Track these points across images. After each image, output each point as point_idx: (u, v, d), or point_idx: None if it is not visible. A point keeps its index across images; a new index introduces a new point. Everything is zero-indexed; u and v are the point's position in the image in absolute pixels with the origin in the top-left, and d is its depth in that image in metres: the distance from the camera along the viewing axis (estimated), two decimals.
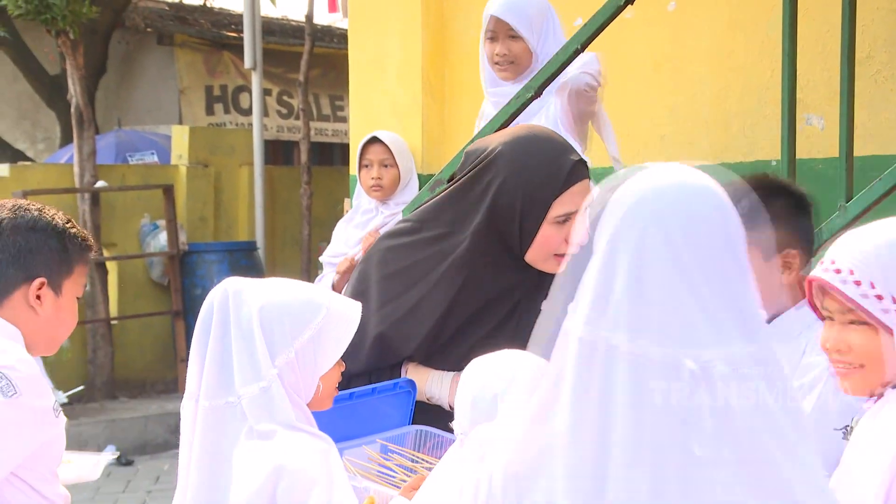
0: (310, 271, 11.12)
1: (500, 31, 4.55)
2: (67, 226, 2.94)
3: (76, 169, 10.88)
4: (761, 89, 5.09)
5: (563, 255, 2.98)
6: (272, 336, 2.43)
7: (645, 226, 1.63)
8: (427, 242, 3.10)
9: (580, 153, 3.11)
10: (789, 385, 1.66)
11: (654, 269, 1.61)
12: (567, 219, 2.98)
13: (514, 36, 4.53)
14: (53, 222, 2.91)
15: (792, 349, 2.99)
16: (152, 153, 13.13)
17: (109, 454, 3.30)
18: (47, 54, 13.90)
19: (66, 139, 13.09)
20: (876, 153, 4.67)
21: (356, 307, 2.56)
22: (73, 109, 10.73)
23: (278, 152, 15.10)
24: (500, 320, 3.07)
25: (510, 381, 2.24)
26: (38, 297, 2.87)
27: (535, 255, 3.03)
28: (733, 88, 5.23)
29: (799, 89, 4.24)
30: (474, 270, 3.04)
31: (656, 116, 5.44)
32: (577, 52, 4.36)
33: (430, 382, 3.06)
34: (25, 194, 9.63)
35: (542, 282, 3.02)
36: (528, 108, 4.40)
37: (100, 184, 10.93)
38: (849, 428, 2.55)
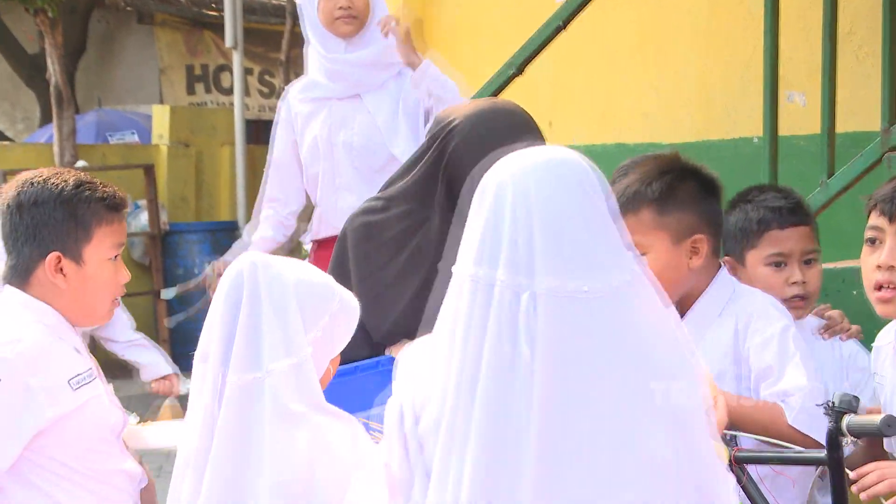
0: (291, 251, 11.09)
1: None
2: (78, 190, 2.84)
3: (56, 148, 10.82)
4: (744, 67, 5.08)
5: None
6: (305, 313, 2.41)
7: (524, 186, 1.97)
8: (396, 219, 3.09)
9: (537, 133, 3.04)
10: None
11: (530, 220, 1.95)
12: None
13: None
14: (58, 191, 2.82)
15: (720, 328, 3.00)
16: (133, 133, 13.07)
17: None
18: (26, 33, 13.82)
19: (46, 119, 13.02)
20: (857, 129, 4.67)
21: (355, 298, 2.57)
22: (52, 89, 10.67)
23: (260, 132, 15.02)
24: None
25: None
26: (62, 271, 2.82)
27: None
28: (716, 66, 5.23)
29: (781, 66, 4.24)
30: (449, 246, 3.03)
31: (639, 94, 5.43)
32: (558, 30, 4.36)
33: None
34: (5, 174, 9.58)
35: None
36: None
37: (80, 163, 10.88)
38: (830, 403, 2.55)
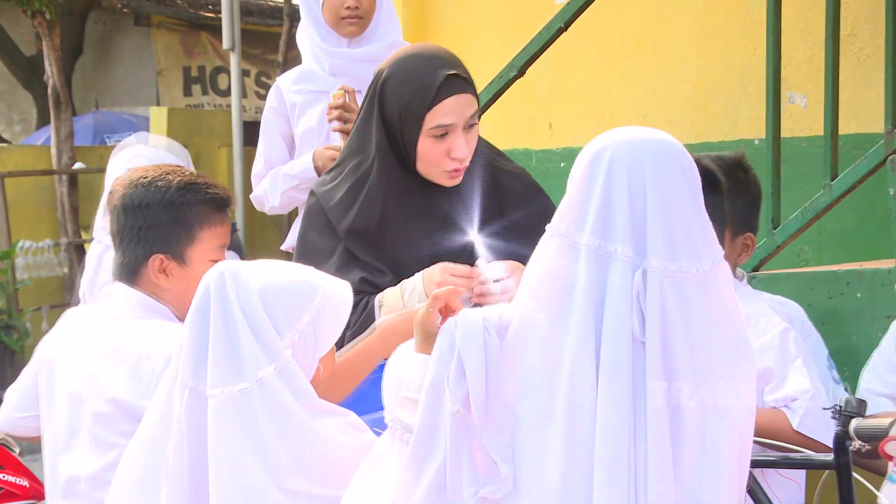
0: (290, 253, 11.07)
1: None
2: (183, 192, 2.88)
3: (53, 150, 10.81)
4: (743, 68, 5.07)
5: (451, 170, 2.99)
6: (276, 318, 2.38)
7: (639, 165, 2.03)
8: (348, 175, 3.11)
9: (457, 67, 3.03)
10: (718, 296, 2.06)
11: (644, 197, 2.03)
12: (445, 132, 2.97)
13: None
14: (163, 194, 2.87)
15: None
16: (130, 134, 13.05)
17: None
18: (23, 35, 13.80)
19: (43, 121, 13.01)
20: (860, 131, 4.66)
21: (347, 287, 2.53)
22: (49, 91, 10.66)
23: (257, 133, 15.01)
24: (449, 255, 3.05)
25: (429, 361, 2.23)
26: (164, 272, 2.88)
27: (423, 169, 3.03)
28: (716, 67, 5.21)
29: (782, 67, 4.23)
30: (393, 198, 3.04)
31: (638, 96, 5.42)
32: (560, 31, 4.34)
33: (404, 291, 3.03)
34: (2, 176, 9.56)
35: (488, 215, 3.04)
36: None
37: (77, 165, 10.86)
38: (838, 407, 2.54)
